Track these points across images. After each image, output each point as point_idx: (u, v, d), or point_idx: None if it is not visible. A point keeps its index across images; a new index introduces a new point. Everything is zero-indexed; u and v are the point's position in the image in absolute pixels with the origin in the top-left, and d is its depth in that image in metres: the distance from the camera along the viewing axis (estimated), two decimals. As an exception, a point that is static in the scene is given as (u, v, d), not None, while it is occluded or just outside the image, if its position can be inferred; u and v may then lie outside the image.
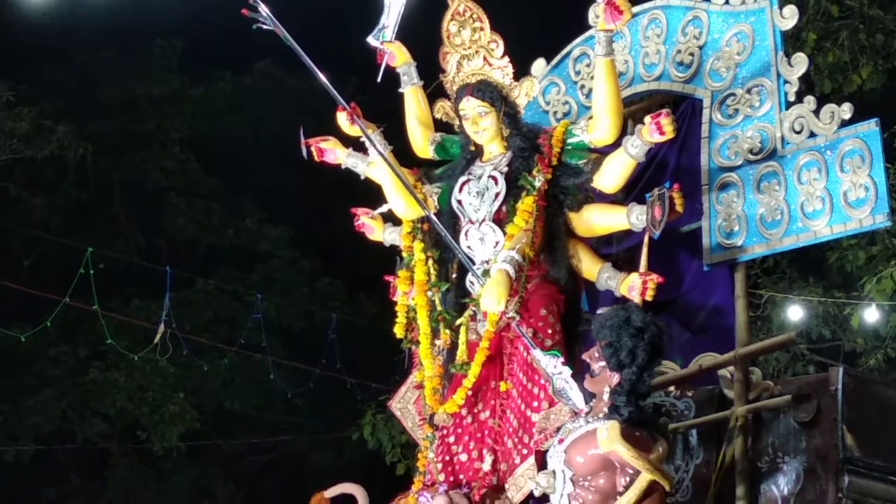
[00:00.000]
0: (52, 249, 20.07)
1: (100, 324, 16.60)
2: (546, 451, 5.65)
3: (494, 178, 6.28)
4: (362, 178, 6.58)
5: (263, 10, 6.08)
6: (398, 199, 6.45)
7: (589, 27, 6.63)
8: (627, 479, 5.19)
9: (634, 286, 6.01)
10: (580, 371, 5.60)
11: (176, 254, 21.58)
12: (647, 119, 6.03)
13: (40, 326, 16.66)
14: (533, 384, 5.94)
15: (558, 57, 7.40)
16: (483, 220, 6.25)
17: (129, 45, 21.89)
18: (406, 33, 6.51)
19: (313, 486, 6.79)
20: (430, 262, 6.42)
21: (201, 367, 18.83)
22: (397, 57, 6.50)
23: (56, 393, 19.27)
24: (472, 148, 6.45)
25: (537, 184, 6.17)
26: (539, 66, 7.37)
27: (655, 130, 5.95)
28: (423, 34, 6.70)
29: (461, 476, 6.08)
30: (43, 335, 17.61)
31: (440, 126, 6.71)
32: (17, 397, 19.24)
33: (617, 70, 6.35)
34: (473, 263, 6.16)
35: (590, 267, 6.31)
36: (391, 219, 6.67)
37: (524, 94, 6.54)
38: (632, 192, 6.37)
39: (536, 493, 5.76)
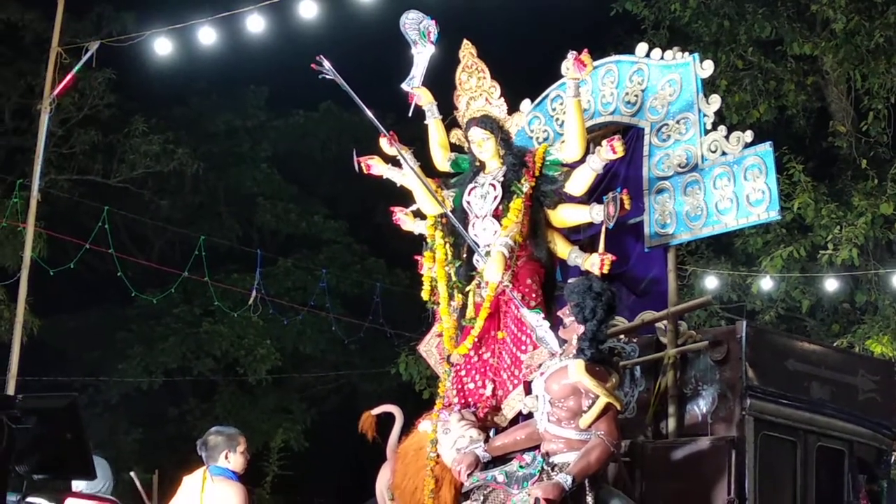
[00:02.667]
0: (174, 237, 20.14)
1: (209, 291, 16.65)
2: (531, 381, 5.67)
3: (493, 185, 6.27)
4: (398, 185, 6.58)
5: (327, 64, 6.11)
6: (424, 200, 6.45)
7: (561, 76, 6.59)
8: (590, 401, 5.20)
9: (595, 262, 6.03)
10: (555, 324, 5.61)
11: (264, 240, 21.61)
12: (604, 142, 6.04)
13: (167, 292, 16.70)
14: (521, 333, 5.95)
15: (539, 98, 7.37)
16: (485, 216, 6.24)
17: (230, 90, 21.90)
18: (429, 81, 6.50)
19: (363, 407, 6.81)
20: (447, 245, 6.41)
21: (282, 322, 18.86)
22: (423, 98, 6.48)
23: (178, 340, 19.33)
24: (478, 163, 6.43)
25: (524, 189, 6.18)
26: (525, 104, 7.34)
27: (610, 150, 5.97)
28: (441, 82, 6.69)
29: (470, 399, 6.09)
30: (169, 299, 17.67)
31: (454, 148, 6.70)
32: (151, 343, 19.32)
33: (582, 107, 6.33)
34: (479, 246, 6.17)
35: (562, 249, 6.31)
36: (419, 214, 6.67)
37: (515, 124, 6.52)
38: (593, 195, 6.35)
39: (524, 411, 5.78)
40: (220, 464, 5.77)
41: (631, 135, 6.83)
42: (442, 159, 6.65)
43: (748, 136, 6.41)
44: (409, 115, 6.53)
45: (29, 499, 4.33)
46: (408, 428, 6.37)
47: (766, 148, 6.31)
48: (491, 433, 5.92)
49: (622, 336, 6.66)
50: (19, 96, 18.39)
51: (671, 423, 6.27)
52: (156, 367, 19.34)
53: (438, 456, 5.85)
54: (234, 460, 5.81)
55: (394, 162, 6.53)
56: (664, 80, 6.75)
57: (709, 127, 6.54)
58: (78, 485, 6.49)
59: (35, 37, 18.04)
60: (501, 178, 6.27)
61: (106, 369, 19.12)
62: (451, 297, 6.31)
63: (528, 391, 5.73)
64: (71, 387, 17.23)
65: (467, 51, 6.58)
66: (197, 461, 5.93)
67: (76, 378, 18.10)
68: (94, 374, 18.83)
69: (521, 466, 5.35)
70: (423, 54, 6.41)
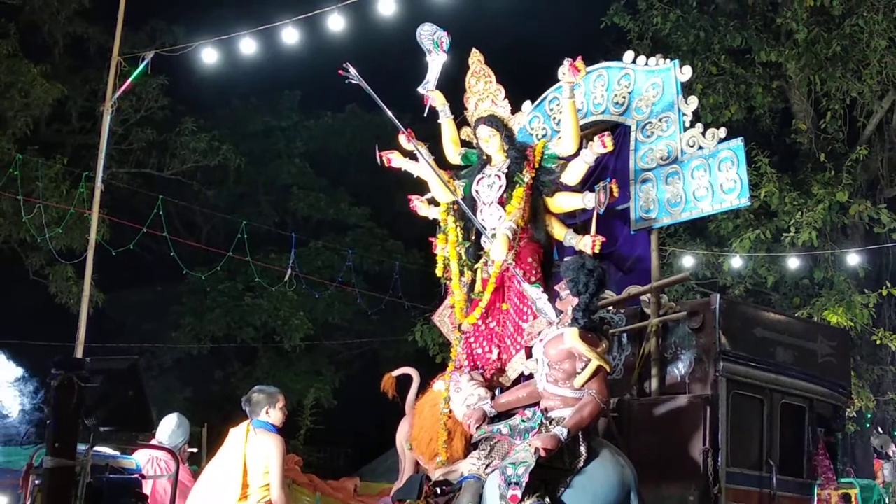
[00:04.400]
0: (220, 222, 20.16)
1: (251, 269, 16.67)
2: (531, 346, 5.67)
3: (499, 176, 6.26)
4: (415, 176, 6.57)
5: (353, 71, 6.10)
6: (438, 189, 6.43)
7: (557, 80, 6.58)
8: (583, 364, 5.20)
9: (587, 243, 6.01)
10: (553, 296, 5.61)
11: (297, 225, 21.59)
12: (596, 138, 6.02)
13: (213, 270, 16.74)
14: (523, 305, 5.94)
15: (538, 99, 7.35)
16: (492, 203, 6.22)
17: (267, 94, 21.88)
18: (442, 85, 6.47)
19: (384, 369, 6.82)
20: (458, 229, 6.39)
21: (314, 296, 18.90)
22: (437, 100, 6.45)
23: (223, 312, 19.37)
24: (484, 157, 6.42)
25: (525, 179, 6.16)
26: (526, 105, 7.32)
27: (601, 145, 5.95)
28: (453, 86, 6.66)
29: (478, 362, 6.09)
30: (215, 276, 17.72)
31: (464, 144, 6.67)
32: (200, 314, 19.37)
33: (576, 107, 6.30)
34: (486, 230, 6.16)
35: (559, 231, 6.29)
36: (433, 202, 6.64)
37: (517, 123, 6.51)
38: (586, 184, 6.33)
39: (526, 373, 5.79)
40: (261, 418, 5.79)
41: (619, 132, 6.80)
42: (453, 153, 6.63)
43: (722, 132, 6.38)
44: (425, 114, 6.51)
45: (96, 448, 4.35)
46: (423, 387, 6.39)
47: (738, 143, 6.29)
48: (496, 392, 5.92)
49: (611, 307, 6.64)
50: (84, 100, 18.42)
51: (654, 383, 6.27)
52: (204, 335, 19.41)
53: (451, 411, 5.86)
54: (274, 415, 5.83)
55: (411, 156, 6.51)
56: (648, 84, 6.72)
57: (687, 124, 6.52)
58: (160, 437, 6.58)
59: (98, 48, 18.07)
60: (505, 170, 6.26)
61: (161, 337, 19.21)
62: (461, 273, 6.29)
63: (528, 355, 5.73)
64: (130, 352, 17.28)
65: (476, 58, 6.55)
66: (240, 416, 5.95)
67: (135, 344, 18.19)
68: (150, 341, 18.92)
69: (522, 420, 5.36)
70: (436, 61, 6.39)
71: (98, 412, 4.15)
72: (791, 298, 15.68)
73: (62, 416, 3.88)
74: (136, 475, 5.77)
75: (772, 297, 15.87)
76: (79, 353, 11.47)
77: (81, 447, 4.09)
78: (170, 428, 6.78)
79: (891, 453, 13.79)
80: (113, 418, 4.24)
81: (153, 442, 6.64)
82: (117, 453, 6.49)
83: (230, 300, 19.45)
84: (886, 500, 13.43)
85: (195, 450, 7.84)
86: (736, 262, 15.09)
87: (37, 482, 4.09)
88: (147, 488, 6.10)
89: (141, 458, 6.56)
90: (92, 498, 4.03)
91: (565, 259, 5.79)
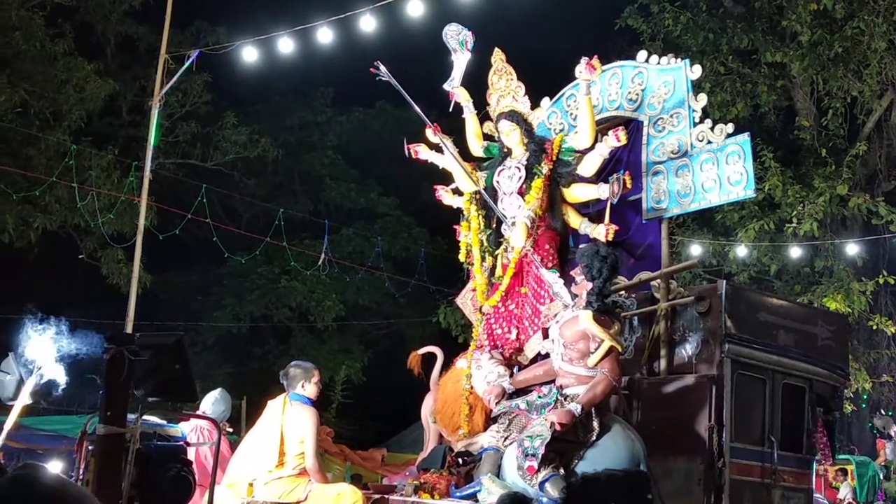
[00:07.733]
0: (259, 210, 20.24)
1: (287, 253, 16.74)
2: (548, 327, 5.65)
3: (519, 168, 6.24)
4: (440, 168, 6.55)
5: (383, 69, 6.07)
6: (462, 180, 6.42)
7: (575, 78, 6.52)
8: (596, 344, 5.18)
9: (601, 231, 6.00)
10: (568, 281, 5.59)
11: (330, 213, 21.61)
12: (610, 133, 5.98)
13: (252, 254, 16.83)
14: (541, 288, 5.93)
15: (557, 96, 7.29)
16: (512, 193, 6.21)
17: (304, 91, 21.93)
18: (467, 82, 6.44)
19: (410, 348, 6.84)
20: (481, 217, 6.39)
21: (345, 279, 18.97)
22: (461, 96, 6.43)
23: (261, 293, 19.51)
24: (506, 150, 6.40)
25: (544, 171, 6.14)
26: (545, 101, 7.27)
27: (615, 139, 5.92)
28: (476, 83, 6.63)
29: (498, 342, 6.09)
30: (254, 260, 17.82)
31: (487, 137, 6.65)
32: (240, 295, 19.52)
33: (592, 104, 6.26)
34: (506, 218, 6.14)
35: (574, 220, 6.27)
36: (457, 191, 6.63)
37: (536, 118, 6.49)
38: (600, 176, 6.29)
39: (542, 352, 5.77)
40: (297, 391, 5.82)
41: (632, 127, 6.74)
42: (476, 146, 6.61)
43: (729, 127, 6.32)
44: (450, 110, 6.49)
45: (145, 417, 4.38)
46: (447, 365, 6.39)
47: (745, 137, 6.22)
48: (515, 370, 5.92)
49: (623, 292, 6.60)
50: (134, 95, 18.56)
51: (662, 364, 6.24)
52: (243, 315, 19.55)
53: (472, 387, 5.87)
54: (309, 389, 5.85)
55: (437, 149, 6.50)
56: (660, 82, 6.66)
57: (697, 120, 6.45)
58: (204, 408, 6.63)
59: (147, 47, 18.20)
60: (525, 162, 6.23)
61: (204, 316, 19.35)
62: (483, 259, 6.29)
63: (545, 336, 5.72)
64: (176, 330, 17.38)
65: (498, 57, 6.53)
66: (276, 391, 5.98)
67: (180, 323, 18.31)
68: (194, 320, 19.06)
69: (539, 397, 5.35)
70: (461, 60, 6.36)
71: (146, 384, 4.18)
72: (793, 285, 15.56)
73: (113, 387, 3.91)
74: (182, 442, 5.81)
75: (774, 283, 15.76)
76: (128, 330, 11.57)
77: (131, 416, 4.12)
78: (212, 400, 6.85)
79: (892, 433, 13.71)
80: (160, 390, 4.27)
81: (198, 413, 6.70)
82: (164, 422, 6.54)
83: (268, 283, 19.56)
84: (881, 476, 13.34)
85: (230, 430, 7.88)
86: (741, 250, 14.99)
87: (90, 448, 4.13)
88: (191, 454, 6.15)
89: (186, 427, 6.62)
90: (140, 463, 4.06)
91: (580, 246, 5.77)
